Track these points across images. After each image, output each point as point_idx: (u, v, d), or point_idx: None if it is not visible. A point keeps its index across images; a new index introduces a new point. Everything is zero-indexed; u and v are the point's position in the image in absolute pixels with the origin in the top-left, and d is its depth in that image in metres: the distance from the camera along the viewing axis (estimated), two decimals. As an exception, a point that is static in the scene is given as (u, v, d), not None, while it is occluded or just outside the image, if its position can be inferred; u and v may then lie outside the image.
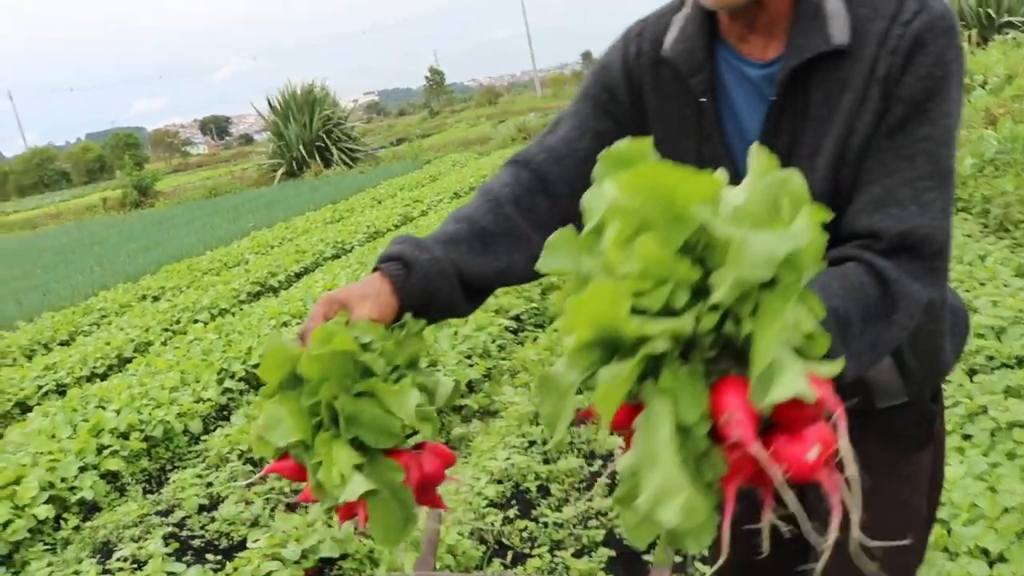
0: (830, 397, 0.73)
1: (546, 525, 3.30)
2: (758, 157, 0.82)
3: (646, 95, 1.30)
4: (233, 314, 8.02)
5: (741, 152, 1.07)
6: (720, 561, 0.74)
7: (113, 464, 4.46)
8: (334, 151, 27.11)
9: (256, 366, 5.79)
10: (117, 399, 5.20)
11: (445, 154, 24.77)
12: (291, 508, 3.71)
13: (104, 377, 6.60)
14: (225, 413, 5.40)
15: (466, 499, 3.50)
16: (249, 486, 3.89)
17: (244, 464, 4.26)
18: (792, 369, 0.72)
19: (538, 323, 6.06)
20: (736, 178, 0.86)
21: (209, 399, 5.30)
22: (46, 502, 4.08)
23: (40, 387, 6.42)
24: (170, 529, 3.75)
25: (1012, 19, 18.36)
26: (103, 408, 5.12)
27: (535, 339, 5.63)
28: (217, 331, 6.88)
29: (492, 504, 3.45)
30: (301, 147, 27.02)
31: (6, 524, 3.90)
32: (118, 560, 3.47)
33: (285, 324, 6.74)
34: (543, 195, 1.30)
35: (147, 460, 4.73)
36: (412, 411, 1.02)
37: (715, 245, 0.76)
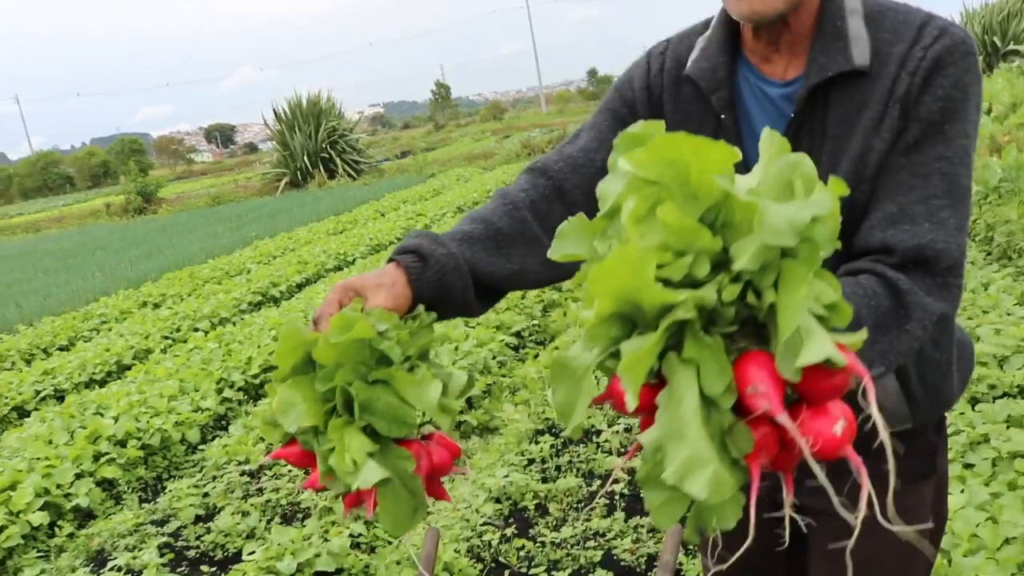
0: (856, 364, 0.73)
1: (544, 544, 3.29)
2: (769, 141, 0.81)
3: (666, 110, 1.32)
4: (234, 323, 8.02)
5: None
6: (746, 543, 0.72)
7: (109, 472, 4.43)
8: (338, 162, 27.19)
9: (256, 376, 5.78)
10: (115, 406, 5.19)
11: (449, 168, 24.87)
12: (287, 520, 3.70)
13: (103, 384, 6.60)
14: (223, 423, 5.38)
15: (464, 516, 3.49)
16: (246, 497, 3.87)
17: (241, 476, 4.24)
18: (820, 334, 0.71)
19: (539, 340, 6.05)
20: None
21: (207, 409, 5.29)
22: (41, 508, 4.07)
23: (38, 392, 6.42)
24: (165, 539, 3.74)
25: (1017, 47, 18.47)
26: (101, 415, 5.12)
27: (536, 356, 5.63)
28: (217, 340, 6.87)
29: (489, 523, 3.43)
30: (306, 157, 27.11)
31: (0, 530, 3.89)
32: (112, 569, 3.46)
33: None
34: (559, 202, 1.32)
35: (144, 468, 4.71)
36: (434, 402, 1.01)
37: (732, 221, 0.76)
